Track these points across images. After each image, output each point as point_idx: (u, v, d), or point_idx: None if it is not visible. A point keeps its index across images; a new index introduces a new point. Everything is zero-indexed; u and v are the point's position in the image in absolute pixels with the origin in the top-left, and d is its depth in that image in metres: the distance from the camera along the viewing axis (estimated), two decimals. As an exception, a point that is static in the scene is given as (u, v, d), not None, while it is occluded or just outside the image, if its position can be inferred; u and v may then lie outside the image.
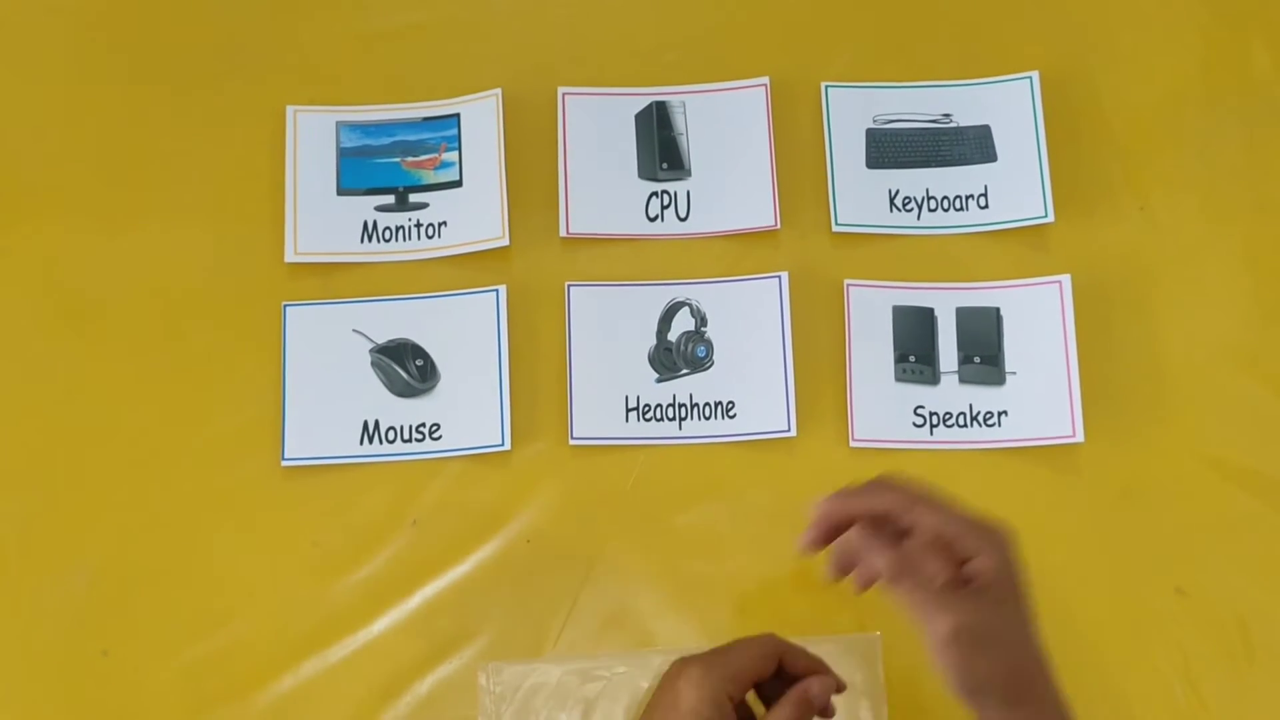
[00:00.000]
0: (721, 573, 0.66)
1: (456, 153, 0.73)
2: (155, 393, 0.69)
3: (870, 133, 0.73)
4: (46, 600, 0.65)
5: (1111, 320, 0.70)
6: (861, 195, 0.72)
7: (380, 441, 0.68)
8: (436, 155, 0.73)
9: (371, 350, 0.69)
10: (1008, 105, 0.73)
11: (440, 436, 0.68)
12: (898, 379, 0.68)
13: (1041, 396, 0.67)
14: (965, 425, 0.68)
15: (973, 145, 0.73)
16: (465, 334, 0.69)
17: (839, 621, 0.66)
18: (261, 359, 0.69)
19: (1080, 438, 0.67)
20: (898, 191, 0.72)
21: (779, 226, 0.71)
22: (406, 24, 0.76)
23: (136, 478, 0.67)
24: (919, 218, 0.72)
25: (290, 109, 0.73)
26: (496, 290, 0.70)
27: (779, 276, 0.70)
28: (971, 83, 0.74)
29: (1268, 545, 0.67)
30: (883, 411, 0.68)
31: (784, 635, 0.63)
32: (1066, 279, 0.68)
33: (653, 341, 0.70)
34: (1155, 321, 0.70)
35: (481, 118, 0.73)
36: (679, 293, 0.70)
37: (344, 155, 0.73)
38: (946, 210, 0.72)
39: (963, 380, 0.68)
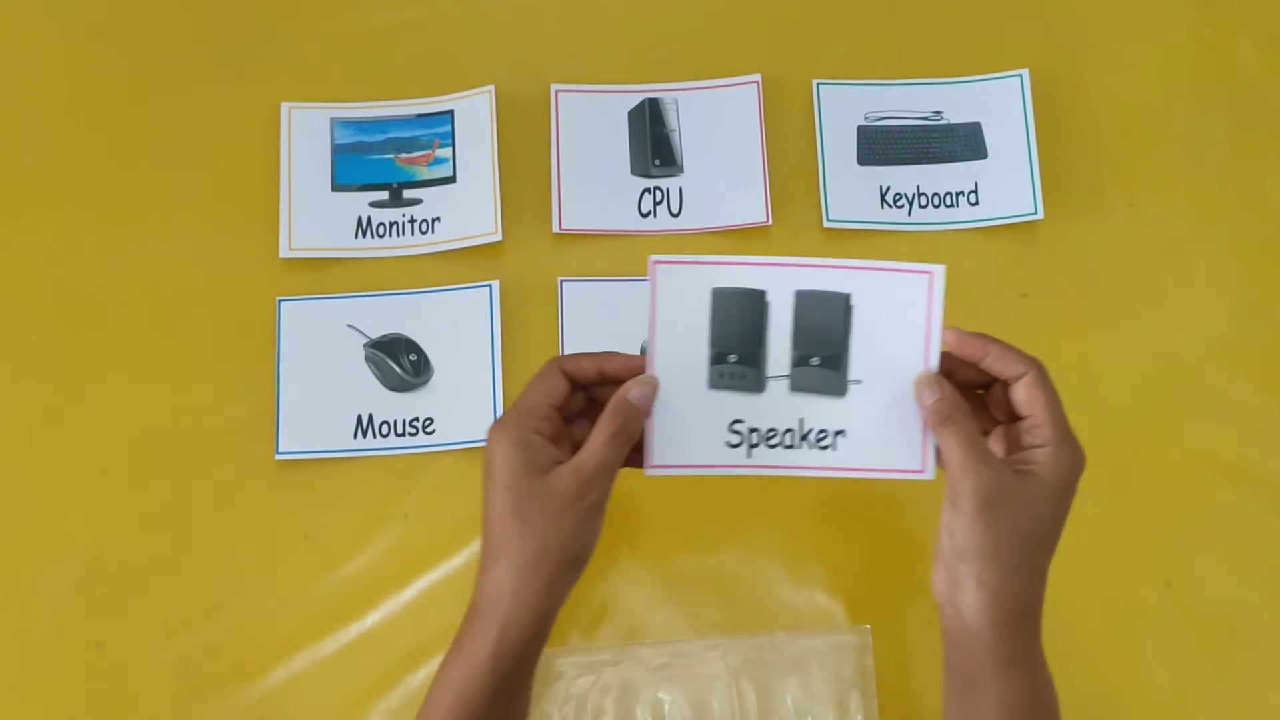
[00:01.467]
0: (712, 566, 0.66)
1: (450, 149, 0.73)
2: (150, 386, 0.69)
3: (861, 129, 0.74)
4: (41, 593, 0.66)
5: (1100, 317, 0.70)
6: (852, 192, 0.72)
7: (374, 435, 0.68)
8: (430, 152, 0.73)
9: (365, 345, 0.70)
10: (998, 103, 0.74)
11: (433, 430, 0.68)
12: (713, 385, 0.54)
13: (887, 413, 0.53)
14: (793, 445, 0.54)
15: (963, 142, 0.73)
16: (458, 329, 0.70)
17: (830, 615, 0.66)
18: (256, 354, 0.69)
19: (930, 474, 0.53)
20: (888, 188, 0.73)
21: (770, 223, 0.71)
22: (401, 21, 0.76)
23: (131, 471, 0.68)
24: (910, 214, 0.72)
25: (285, 106, 0.73)
26: (490, 285, 0.70)
27: (770, 272, 0.70)
28: (962, 80, 0.75)
29: (1255, 540, 0.67)
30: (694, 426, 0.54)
31: (775, 629, 0.64)
32: (940, 270, 0.52)
33: (645, 337, 0.70)
34: (1143, 318, 0.70)
35: (475, 114, 0.73)
36: (671, 288, 0.70)
37: (338, 152, 0.73)
38: (937, 207, 0.72)
39: (795, 388, 0.54)
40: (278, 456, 0.68)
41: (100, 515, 0.67)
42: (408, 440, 0.68)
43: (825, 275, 0.53)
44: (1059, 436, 0.49)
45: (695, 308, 0.53)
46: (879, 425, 0.53)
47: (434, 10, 0.76)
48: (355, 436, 0.68)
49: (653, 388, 0.52)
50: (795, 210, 0.72)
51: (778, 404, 0.54)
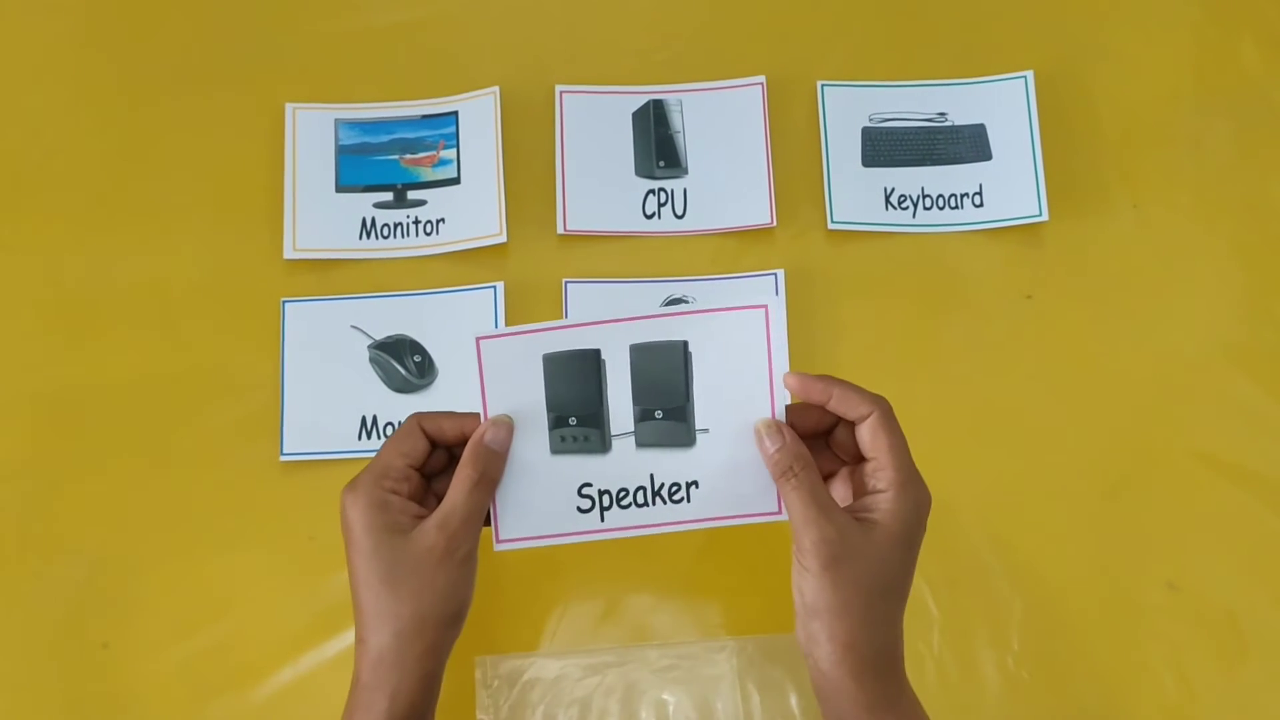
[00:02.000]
0: (715, 567, 0.66)
1: (455, 150, 0.73)
2: (155, 388, 0.69)
3: (866, 131, 0.74)
4: (46, 593, 0.66)
5: (1105, 318, 0.70)
6: (857, 193, 0.72)
7: (378, 437, 0.68)
8: (435, 153, 0.73)
9: (370, 346, 0.70)
10: (1002, 104, 0.74)
11: (438, 432, 0.68)
12: (555, 451, 0.52)
13: (737, 458, 0.52)
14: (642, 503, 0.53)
15: (968, 144, 0.73)
16: (463, 330, 0.70)
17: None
18: (260, 355, 0.69)
19: (786, 514, 0.51)
20: (893, 190, 0.73)
21: (775, 224, 0.71)
22: (405, 22, 0.76)
23: (136, 472, 0.68)
24: (914, 216, 0.72)
25: (289, 106, 0.73)
26: (494, 286, 0.70)
27: (775, 274, 0.70)
28: (966, 82, 0.75)
29: (1258, 540, 0.67)
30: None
31: (776, 630, 0.64)
32: (775, 303, 0.51)
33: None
34: (1147, 319, 0.70)
35: (479, 115, 0.73)
36: (676, 290, 0.71)
37: (343, 152, 0.73)
38: (942, 209, 0.72)
39: (641, 444, 0.53)
40: (282, 458, 0.68)
41: (104, 516, 0.67)
42: (412, 441, 0.68)
43: (658, 326, 0.51)
44: (901, 480, 0.48)
45: (528, 377, 0.51)
46: (730, 472, 0.52)
47: (437, 10, 0.76)
48: (360, 438, 0.68)
49: (508, 428, 0.51)
50: (800, 212, 0.72)
51: (625, 462, 0.52)
